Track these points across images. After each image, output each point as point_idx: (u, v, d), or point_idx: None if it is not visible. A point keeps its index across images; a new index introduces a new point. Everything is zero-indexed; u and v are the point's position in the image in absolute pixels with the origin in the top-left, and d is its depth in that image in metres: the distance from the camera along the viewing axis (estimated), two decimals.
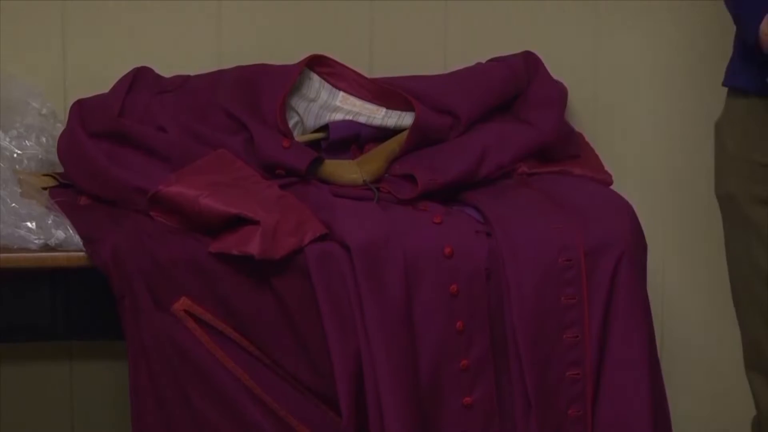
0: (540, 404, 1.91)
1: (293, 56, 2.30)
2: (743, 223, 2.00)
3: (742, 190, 1.98)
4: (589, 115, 2.43)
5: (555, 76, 2.32)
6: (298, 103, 2.21)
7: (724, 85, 2.06)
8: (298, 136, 2.14)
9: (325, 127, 2.19)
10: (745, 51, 2.01)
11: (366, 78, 2.23)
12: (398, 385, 1.87)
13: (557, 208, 2.01)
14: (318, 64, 2.21)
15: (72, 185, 2.11)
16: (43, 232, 1.93)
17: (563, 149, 2.21)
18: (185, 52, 2.36)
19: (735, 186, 2.00)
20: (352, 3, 2.42)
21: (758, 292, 1.98)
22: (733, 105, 2.02)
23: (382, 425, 1.87)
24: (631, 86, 2.46)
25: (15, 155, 2.14)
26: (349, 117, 2.21)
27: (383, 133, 2.19)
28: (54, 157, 2.15)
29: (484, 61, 2.45)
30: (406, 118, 2.18)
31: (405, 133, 2.14)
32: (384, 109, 2.21)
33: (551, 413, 1.93)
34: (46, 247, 1.93)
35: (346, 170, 2.09)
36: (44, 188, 2.10)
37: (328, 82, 2.22)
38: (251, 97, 2.15)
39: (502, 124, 2.20)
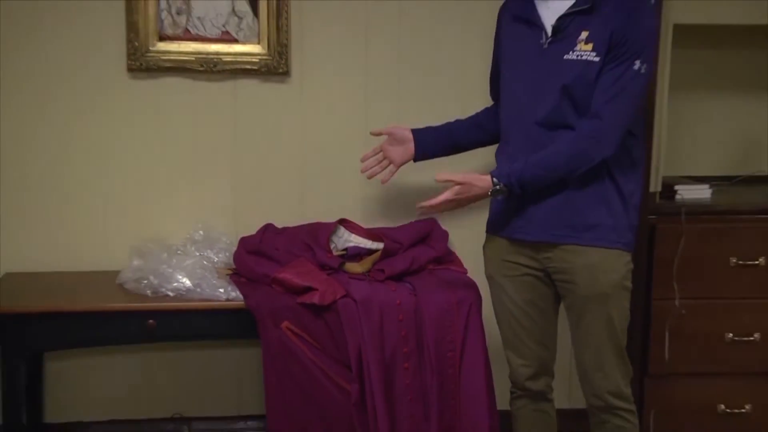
0: (437, 368, 2.75)
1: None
2: (498, 288, 2.66)
3: (496, 272, 2.64)
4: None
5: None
6: (334, 239, 3.07)
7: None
8: (335, 252, 3.00)
9: (345, 249, 3.07)
10: (494, 205, 2.55)
11: (364, 228, 3.12)
12: (376, 359, 2.68)
13: (445, 284, 2.85)
14: (343, 222, 3.13)
15: (239, 274, 2.97)
16: (226, 293, 2.84)
17: (447, 258, 3.10)
18: (280, 216, 3.20)
19: (493, 270, 2.66)
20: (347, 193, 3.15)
21: (509, 322, 2.65)
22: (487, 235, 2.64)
23: (370, 378, 2.67)
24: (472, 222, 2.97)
25: (215, 260, 3.07)
26: (356, 244, 3.08)
27: (371, 252, 3.02)
28: (231, 261, 3.06)
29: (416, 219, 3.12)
30: (380, 245, 3.02)
31: (379, 252, 2.96)
32: (371, 241, 3.08)
33: (441, 372, 2.77)
34: (227, 300, 2.82)
35: (355, 267, 2.90)
36: (227, 274, 2.99)
37: (347, 229, 3.12)
38: (314, 236, 3.02)
39: (421, 248, 3.07)
